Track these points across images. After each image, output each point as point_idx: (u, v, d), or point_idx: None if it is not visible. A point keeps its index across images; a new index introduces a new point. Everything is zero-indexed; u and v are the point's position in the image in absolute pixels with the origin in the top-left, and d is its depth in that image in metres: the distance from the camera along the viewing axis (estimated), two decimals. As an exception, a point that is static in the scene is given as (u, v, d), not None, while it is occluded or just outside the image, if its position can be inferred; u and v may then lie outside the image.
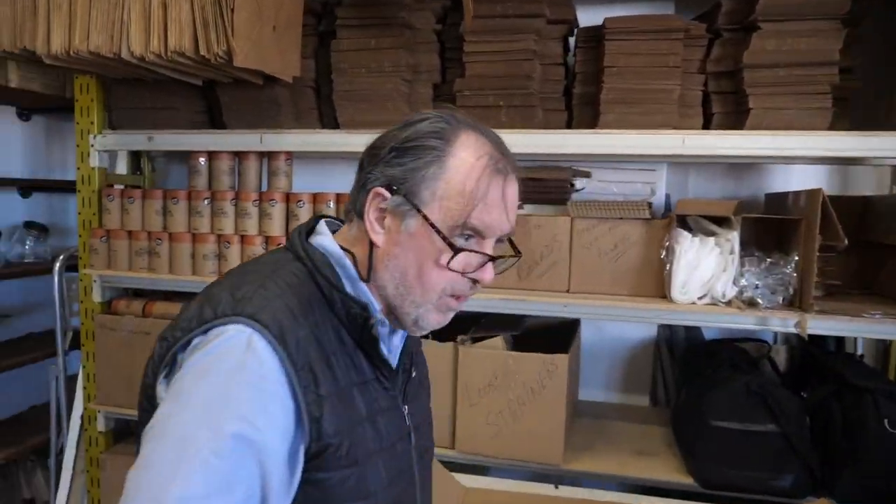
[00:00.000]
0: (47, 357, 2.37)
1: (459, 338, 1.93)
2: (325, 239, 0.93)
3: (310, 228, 0.96)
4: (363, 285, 0.90)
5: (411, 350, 1.03)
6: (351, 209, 0.92)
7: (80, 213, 2.21)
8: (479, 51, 1.86)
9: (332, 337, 0.84)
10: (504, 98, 1.85)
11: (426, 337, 1.04)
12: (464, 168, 0.85)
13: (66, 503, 2.26)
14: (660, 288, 1.81)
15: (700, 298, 1.74)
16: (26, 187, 2.55)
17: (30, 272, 2.40)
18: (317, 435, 0.78)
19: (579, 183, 2.12)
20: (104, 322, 2.16)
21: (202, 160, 2.16)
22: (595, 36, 1.85)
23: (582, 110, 1.89)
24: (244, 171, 2.13)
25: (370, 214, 0.88)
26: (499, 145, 0.90)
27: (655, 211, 2.10)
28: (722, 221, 1.82)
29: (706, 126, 1.82)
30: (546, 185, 2.03)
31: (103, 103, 2.21)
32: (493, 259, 0.89)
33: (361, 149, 1.91)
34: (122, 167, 2.41)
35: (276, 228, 2.03)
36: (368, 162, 0.89)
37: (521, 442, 1.85)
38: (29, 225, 2.51)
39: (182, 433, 0.70)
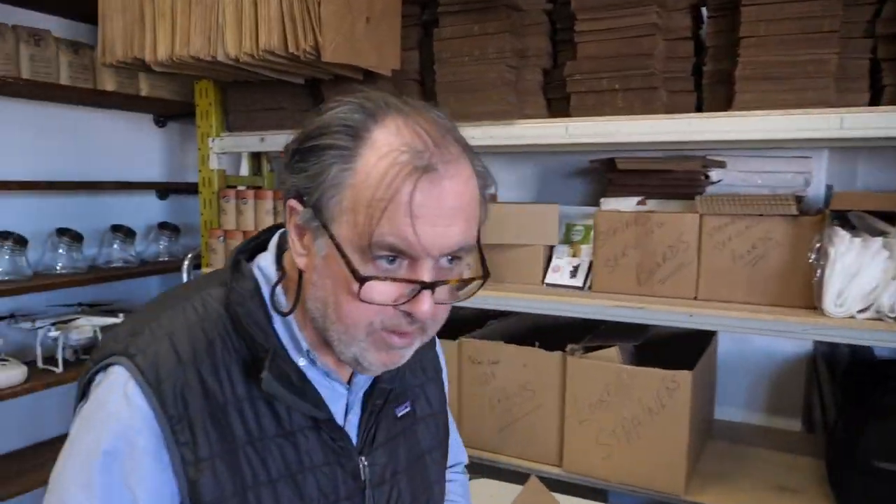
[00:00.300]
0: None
1: (569, 347, 1.76)
2: (266, 259, 0.79)
3: (260, 243, 0.82)
4: (288, 318, 0.76)
5: (400, 386, 0.88)
6: None
7: (202, 214, 2.30)
8: (592, 29, 1.66)
9: (240, 382, 0.72)
10: (620, 80, 1.64)
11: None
12: (374, 170, 0.66)
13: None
14: (807, 297, 1.51)
15: (860, 312, 1.43)
16: (162, 190, 2.70)
17: (163, 270, 2.54)
18: (192, 501, 0.69)
19: (715, 174, 1.85)
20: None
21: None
22: (730, 2, 1.58)
23: (714, 90, 1.63)
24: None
25: (291, 232, 0.73)
26: (435, 133, 0.69)
27: (810, 205, 1.78)
28: (893, 218, 1.49)
29: (874, 102, 1.50)
30: (672, 179, 1.79)
31: (221, 106, 2.27)
32: (427, 286, 0.68)
33: (463, 143, 1.79)
34: (245, 168, 2.47)
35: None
36: (284, 166, 0.74)
37: (637, 466, 1.65)
38: (163, 225, 2.66)
39: (60, 493, 0.69)
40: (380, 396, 0.83)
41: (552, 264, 1.91)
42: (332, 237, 0.67)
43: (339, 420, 0.80)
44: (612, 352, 1.70)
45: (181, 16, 1.62)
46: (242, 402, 0.72)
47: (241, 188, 2.33)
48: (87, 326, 2.26)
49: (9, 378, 2.05)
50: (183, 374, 0.69)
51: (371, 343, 0.71)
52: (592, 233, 1.80)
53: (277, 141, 2.14)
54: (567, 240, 1.94)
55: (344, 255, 0.67)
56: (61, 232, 2.28)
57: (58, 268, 2.27)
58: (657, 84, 1.61)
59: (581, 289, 1.83)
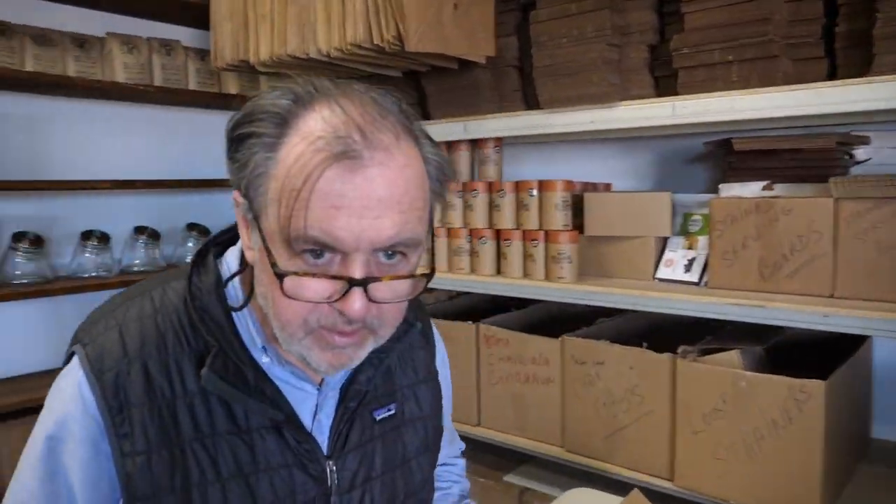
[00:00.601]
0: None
1: (682, 349, 1.59)
2: (233, 252, 0.77)
3: (233, 236, 0.79)
4: (246, 314, 0.73)
5: (384, 387, 0.83)
6: None
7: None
8: (701, -4, 1.50)
9: (192, 377, 0.70)
10: (734, 51, 1.46)
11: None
12: (293, 158, 0.62)
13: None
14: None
15: None
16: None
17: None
18: (127, 494, 0.68)
19: (861, 153, 1.60)
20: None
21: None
22: (870, -51, 1.35)
23: (849, 55, 1.40)
24: (455, 162, 2.06)
25: (240, 225, 0.71)
26: (366, 118, 0.63)
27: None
28: None
29: None
30: (803, 159, 1.57)
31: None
32: (356, 283, 0.62)
33: (563, 129, 1.69)
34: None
35: (480, 220, 1.91)
36: (226, 156, 0.70)
37: (760, 487, 1.46)
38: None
39: (18, 469, 0.71)
40: (353, 398, 0.78)
41: (665, 257, 1.75)
42: (259, 230, 0.65)
43: (308, 421, 0.75)
44: (732, 356, 1.52)
45: (279, 17, 1.66)
46: (193, 397, 0.70)
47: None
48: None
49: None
50: (126, 366, 0.68)
51: (313, 342, 0.66)
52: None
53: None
54: (683, 231, 1.77)
55: (267, 249, 0.64)
56: (190, 227, 2.46)
57: (188, 260, 2.44)
58: (777, 52, 1.41)
59: (696, 284, 1.66)
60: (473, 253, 1.91)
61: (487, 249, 1.88)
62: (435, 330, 0.98)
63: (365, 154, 0.61)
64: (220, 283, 0.73)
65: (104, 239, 2.21)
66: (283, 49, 1.68)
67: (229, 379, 0.68)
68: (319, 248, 0.62)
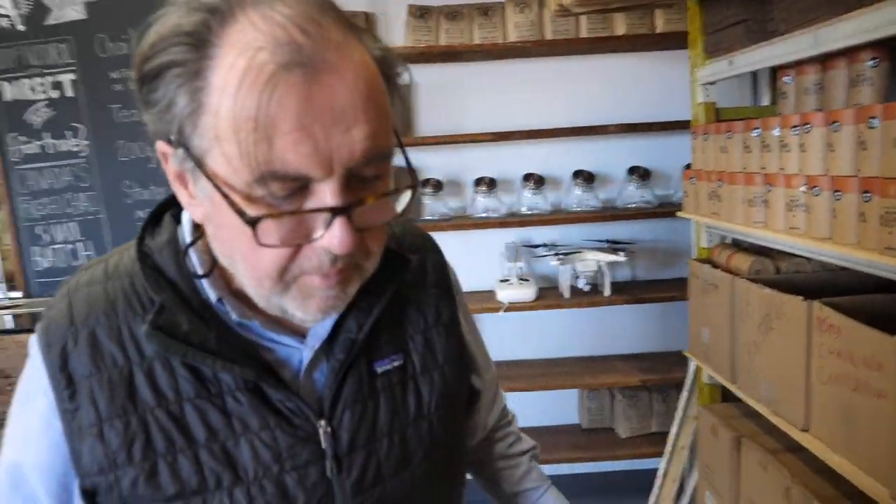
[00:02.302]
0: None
1: None
2: (186, 214, 0.70)
3: None
4: (207, 275, 0.65)
5: (387, 336, 0.73)
6: None
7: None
8: None
9: (153, 346, 0.63)
10: None
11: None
12: (233, 86, 0.52)
13: (675, 441, 2.31)
14: None
15: None
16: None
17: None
18: (79, 470, 0.64)
19: None
20: (694, 270, 2.04)
21: (786, 79, 1.70)
22: None
23: None
24: (829, 82, 1.55)
25: (172, 182, 0.61)
26: (304, 18, 0.53)
27: None
28: None
29: None
30: None
31: (703, 31, 2.01)
32: (338, 211, 0.54)
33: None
34: (750, 97, 2.13)
35: (815, 165, 1.41)
36: (138, 103, 0.59)
37: None
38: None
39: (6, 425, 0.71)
40: (342, 350, 0.69)
41: None
42: (208, 178, 0.55)
43: (292, 378, 0.69)
44: None
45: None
46: (153, 363, 0.64)
47: (734, 121, 2.02)
48: (591, 260, 2.47)
49: (521, 295, 2.49)
50: (72, 336, 0.64)
51: (296, 292, 0.59)
52: None
53: (745, 61, 1.78)
54: None
55: (226, 196, 0.54)
56: (577, 173, 2.54)
57: (574, 207, 2.55)
58: None
59: None
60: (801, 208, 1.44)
61: (820, 203, 1.39)
62: (455, 276, 0.86)
63: (316, 59, 0.52)
64: (175, 241, 0.67)
65: (492, 184, 2.53)
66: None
67: (181, 337, 0.62)
68: (289, 183, 0.54)
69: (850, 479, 1.32)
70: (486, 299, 2.59)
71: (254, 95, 0.51)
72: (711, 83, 2.06)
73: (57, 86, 2.88)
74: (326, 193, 0.54)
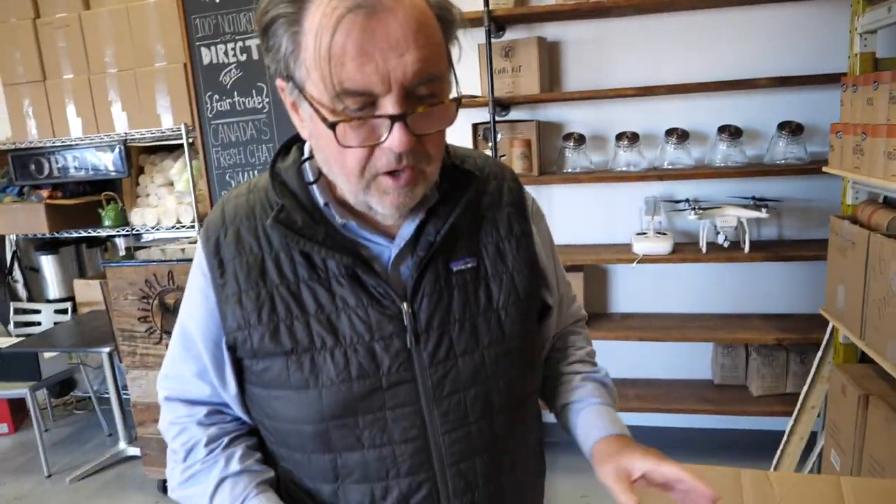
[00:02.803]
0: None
1: None
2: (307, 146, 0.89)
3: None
4: (316, 185, 0.85)
5: (461, 240, 0.87)
6: None
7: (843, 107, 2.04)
8: None
9: (276, 237, 0.85)
10: None
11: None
12: (316, 27, 0.70)
13: (805, 399, 2.28)
14: None
15: None
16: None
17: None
18: (225, 329, 0.85)
19: None
20: (834, 226, 2.00)
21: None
22: None
23: None
24: None
25: (289, 111, 0.80)
26: None
27: None
28: None
29: None
30: None
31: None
32: (396, 118, 0.71)
33: None
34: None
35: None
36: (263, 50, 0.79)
37: None
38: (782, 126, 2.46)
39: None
40: (422, 248, 0.85)
41: None
42: (307, 100, 0.74)
43: (384, 269, 0.86)
44: None
45: None
46: (279, 252, 0.84)
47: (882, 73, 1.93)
48: (731, 216, 2.46)
49: (658, 248, 2.54)
50: (223, 231, 0.86)
51: (375, 189, 0.77)
52: None
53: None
54: None
55: (316, 110, 0.72)
56: (722, 128, 2.51)
57: (717, 162, 2.54)
58: None
59: None
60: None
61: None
62: (534, 200, 1.00)
63: (375, 3, 0.69)
64: (297, 163, 0.88)
65: (634, 138, 2.58)
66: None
67: (296, 230, 0.82)
68: (359, 98, 0.71)
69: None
70: (624, 251, 2.67)
71: (328, 32, 0.68)
72: (871, 31, 1.97)
73: (245, 50, 3.30)
74: (388, 105, 0.70)
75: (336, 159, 0.77)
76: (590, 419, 0.95)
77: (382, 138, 0.72)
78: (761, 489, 1.08)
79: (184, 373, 0.91)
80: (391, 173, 0.76)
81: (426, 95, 0.73)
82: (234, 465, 0.88)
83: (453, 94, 0.76)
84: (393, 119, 0.71)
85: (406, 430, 0.84)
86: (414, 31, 0.70)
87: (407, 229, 0.86)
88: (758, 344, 2.67)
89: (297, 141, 0.93)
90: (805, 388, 2.29)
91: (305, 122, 0.79)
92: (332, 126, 0.71)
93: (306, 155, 0.89)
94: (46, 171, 3.66)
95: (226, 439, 0.91)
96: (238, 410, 0.91)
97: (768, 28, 2.58)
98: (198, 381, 0.90)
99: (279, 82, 0.78)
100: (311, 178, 0.87)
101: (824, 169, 2.08)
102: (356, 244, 0.86)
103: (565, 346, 1.07)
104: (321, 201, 0.86)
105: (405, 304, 0.84)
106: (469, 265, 0.89)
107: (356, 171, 0.76)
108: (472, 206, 0.90)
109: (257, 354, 0.84)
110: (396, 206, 0.78)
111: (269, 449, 0.92)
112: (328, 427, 0.84)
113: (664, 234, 2.62)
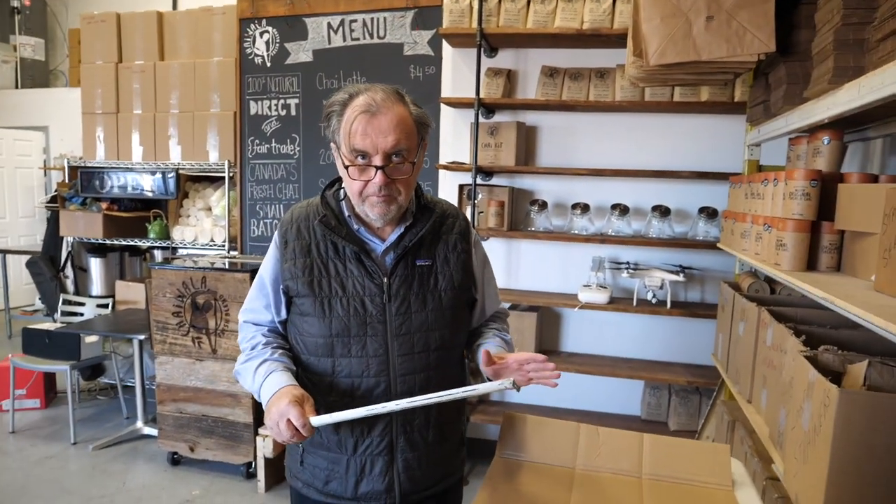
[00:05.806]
0: None
1: None
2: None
3: None
4: (344, 206, 1.45)
5: (422, 246, 1.45)
6: None
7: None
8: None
9: (319, 231, 1.42)
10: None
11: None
12: (346, 119, 1.33)
13: (701, 430, 2.81)
14: None
15: None
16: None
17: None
18: (282, 277, 1.44)
19: None
20: (721, 289, 2.58)
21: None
22: None
23: None
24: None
25: (335, 159, 1.41)
26: (378, 96, 1.31)
27: None
28: None
29: None
30: None
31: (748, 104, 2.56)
32: (379, 167, 1.31)
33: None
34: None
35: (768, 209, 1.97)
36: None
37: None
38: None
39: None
40: (401, 249, 1.43)
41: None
42: (339, 155, 1.37)
43: (377, 257, 1.43)
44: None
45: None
46: (321, 240, 1.43)
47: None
48: (657, 277, 3.06)
49: (597, 298, 3.13)
50: (290, 225, 1.46)
51: (368, 205, 1.37)
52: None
53: (768, 129, 2.33)
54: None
55: (341, 158, 1.36)
56: (654, 207, 3.14)
57: (651, 234, 3.15)
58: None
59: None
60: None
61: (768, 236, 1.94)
62: (476, 235, 1.58)
63: (376, 110, 1.30)
64: (337, 192, 1.49)
65: (586, 208, 3.21)
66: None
67: (331, 228, 1.41)
68: (361, 155, 1.32)
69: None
70: (571, 299, 3.25)
71: (350, 122, 1.32)
72: (756, 144, 2.60)
73: (285, 106, 4.01)
74: (376, 160, 1.31)
75: (348, 186, 1.40)
76: (486, 346, 1.50)
77: (372, 177, 1.34)
78: (592, 440, 1.62)
79: (257, 306, 1.51)
80: (378, 195, 1.36)
81: (398, 158, 1.34)
82: (274, 356, 1.44)
83: (415, 160, 1.37)
84: (377, 168, 1.32)
85: (376, 349, 1.40)
86: (395, 125, 1.31)
87: (392, 236, 1.46)
88: (678, 386, 3.22)
89: (339, 179, 1.54)
90: (702, 421, 2.83)
91: (340, 166, 1.41)
92: (346, 167, 1.35)
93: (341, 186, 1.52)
94: (108, 187, 4.35)
95: (274, 343, 1.48)
96: (282, 329, 1.50)
97: (695, 131, 3.24)
98: (264, 311, 1.50)
99: (332, 146, 1.40)
100: (341, 197, 1.48)
101: (718, 245, 2.68)
102: (362, 241, 1.46)
103: (488, 321, 1.64)
104: (346, 213, 1.47)
105: (385, 279, 1.43)
106: (426, 263, 1.47)
107: (357, 193, 1.38)
108: (434, 229, 1.49)
109: (299, 295, 1.42)
110: (379, 214, 1.38)
111: (295, 353, 1.47)
112: (332, 341, 1.41)
113: (605, 287, 3.21)
